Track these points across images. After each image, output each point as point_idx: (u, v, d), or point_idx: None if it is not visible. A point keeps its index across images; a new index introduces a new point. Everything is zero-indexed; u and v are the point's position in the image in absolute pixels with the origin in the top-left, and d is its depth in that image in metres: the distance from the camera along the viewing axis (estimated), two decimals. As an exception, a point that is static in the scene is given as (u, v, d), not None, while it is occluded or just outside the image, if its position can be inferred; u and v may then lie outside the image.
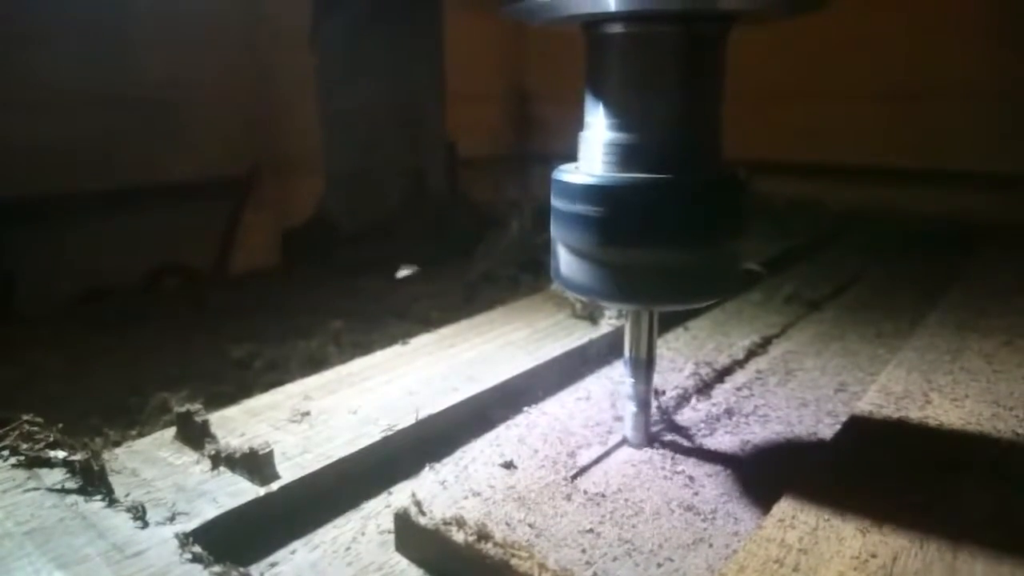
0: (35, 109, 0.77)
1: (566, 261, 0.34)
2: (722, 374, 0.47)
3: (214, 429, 0.36)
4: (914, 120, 0.95)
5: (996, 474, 0.31)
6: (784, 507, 0.29)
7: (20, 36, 0.75)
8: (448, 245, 0.88)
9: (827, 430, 0.39)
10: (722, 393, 0.44)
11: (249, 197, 0.93)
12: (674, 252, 0.32)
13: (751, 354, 0.50)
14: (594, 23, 0.32)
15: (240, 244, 0.93)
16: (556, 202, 0.34)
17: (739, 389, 0.45)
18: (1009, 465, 0.32)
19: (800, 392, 0.45)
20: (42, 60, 0.77)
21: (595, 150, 0.33)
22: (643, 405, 0.37)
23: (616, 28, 0.32)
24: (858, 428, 0.36)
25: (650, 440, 0.38)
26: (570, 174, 0.33)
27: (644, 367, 0.36)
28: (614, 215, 0.31)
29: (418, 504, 0.28)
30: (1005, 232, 0.80)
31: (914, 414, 0.37)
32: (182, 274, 0.85)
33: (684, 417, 0.41)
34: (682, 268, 0.32)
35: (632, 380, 0.37)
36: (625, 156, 0.32)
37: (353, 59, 0.89)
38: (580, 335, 0.50)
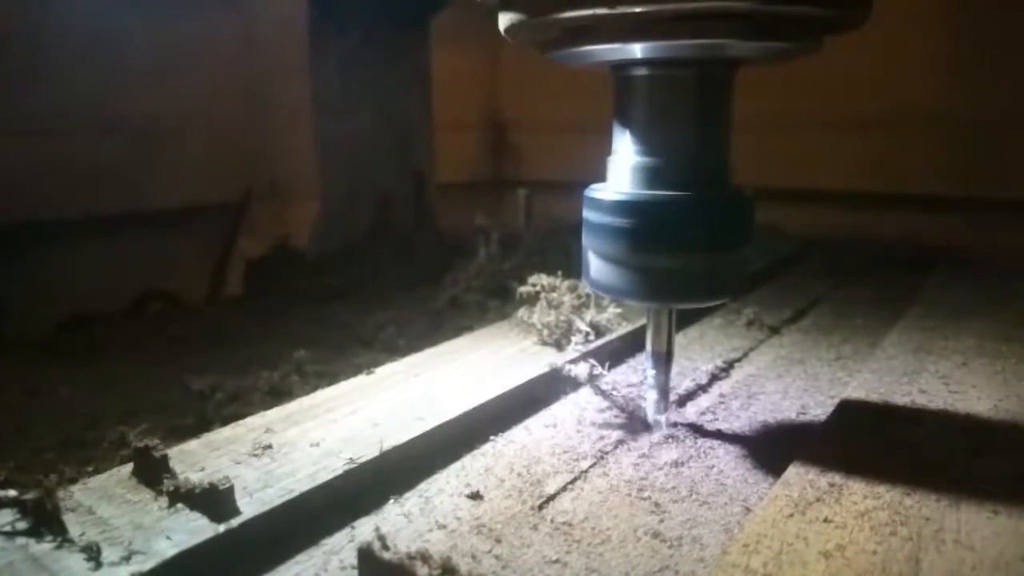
0: (22, 136, 0.76)
1: (596, 266, 0.39)
2: (685, 399, 0.47)
3: (173, 464, 0.35)
4: (873, 146, 0.98)
5: (954, 496, 0.32)
6: (748, 532, 0.30)
7: (5, 65, 0.74)
8: (415, 272, 0.88)
9: (789, 453, 0.40)
10: (685, 417, 0.44)
11: (242, 223, 0.93)
12: (693, 257, 0.37)
13: (714, 378, 0.51)
14: (622, 66, 0.38)
15: (233, 269, 0.92)
16: (589, 216, 0.39)
17: (703, 413, 0.45)
18: (967, 486, 0.33)
19: (762, 416, 0.45)
20: (28, 88, 0.76)
21: (623, 171, 0.39)
22: (663, 393, 0.42)
23: (641, 70, 0.38)
24: (818, 452, 0.36)
25: (667, 424, 0.43)
26: (602, 192, 0.39)
27: (664, 359, 0.41)
28: (642, 226, 0.37)
29: (381, 538, 0.28)
30: (960, 254, 0.82)
31: (872, 437, 0.38)
32: (167, 300, 0.84)
33: (650, 442, 0.41)
34: (700, 271, 0.37)
35: (653, 371, 0.42)
36: (650, 176, 0.38)
37: (347, 89, 0.91)
38: (547, 361, 0.50)
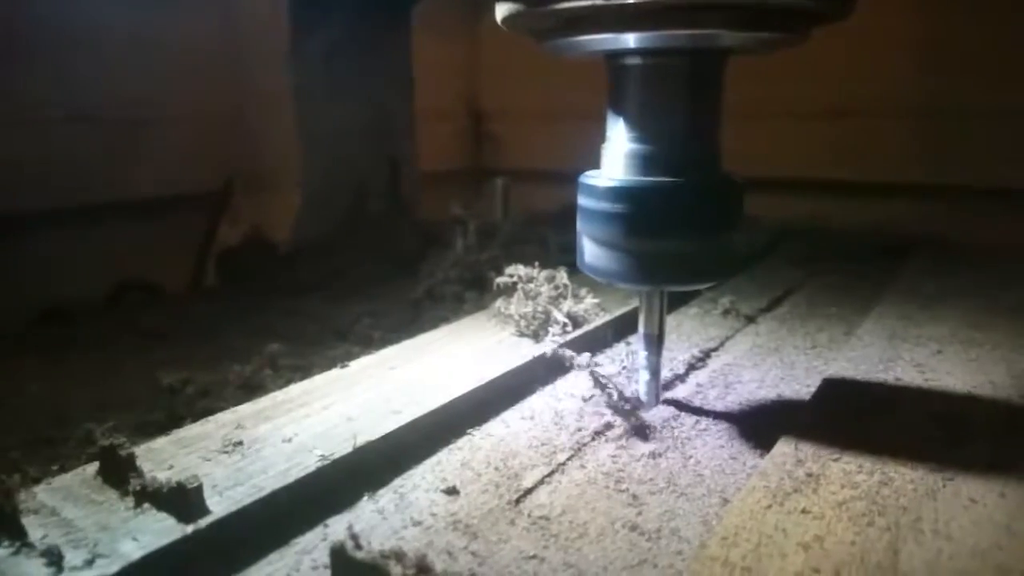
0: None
1: (591, 251, 0.40)
2: (663, 388, 0.47)
3: (141, 462, 0.34)
4: (846, 135, 0.98)
5: (931, 485, 0.32)
6: (727, 524, 0.29)
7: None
8: (392, 262, 0.87)
9: (767, 443, 0.40)
10: (662, 408, 0.44)
11: (224, 213, 0.92)
12: (684, 241, 0.38)
13: (691, 368, 0.51)
14: (615, 55, 0.39)
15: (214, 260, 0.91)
16: (583, 202, 0.40)
17: (680, 403, 0.45)
18: (943, 475, 0.33)
19: (739, 405, 0.45)
20: (2, 77, 0.74)
21: (617, 158, 0.39)
22: (654, 373, 0.43)
23: (635, 60, 0.38)
24: (795, 442, 0.36)
25: (658, 401, 0.44)
26: (596, 179, 0.40)
27: (655, 341, 0.43)
28: (635, 211, 0.38)
29: (354, 537, 0.27)
30: (933, 242, 0.83)
31: (849, 427, 0.38)
32: (145, 292, 0.83)
33: (625, 432, 0.41)
34: (691, 254, 0.39)
35: (646, 353, 0.43)
36: (643, 163, 0.39)
37: (330, 80, 0.91)
38: (524, 353, 0.49)
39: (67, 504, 0.32)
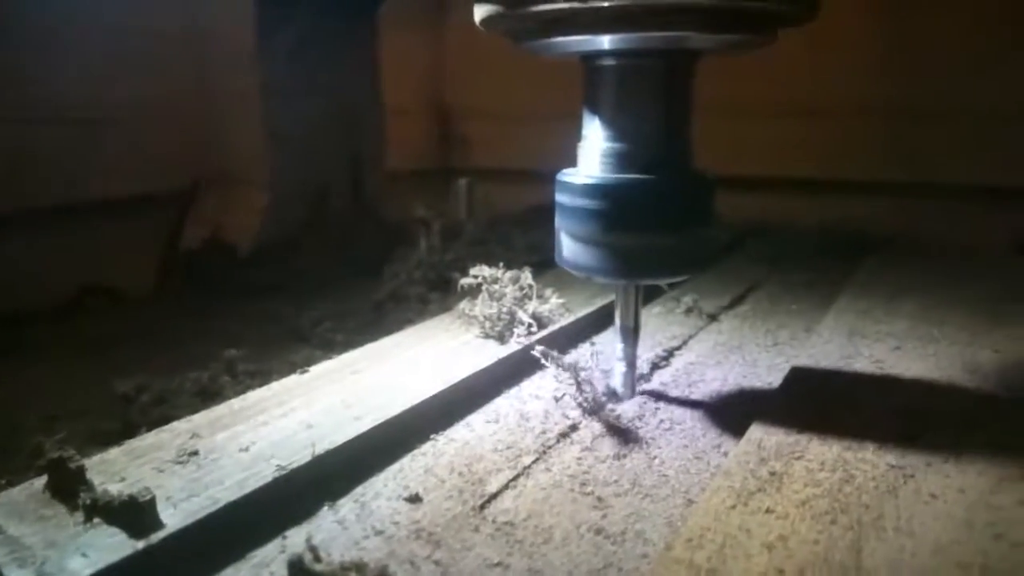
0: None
1: (568, 246, 0.42)
2: (629, 389, 0.47)
3: (92, 474, 0.33)
4: (810, 134, 0.99)
5: (892, 482, 0.32)
6: (691, 525, 0.29)
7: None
8: (356, 263, 0.86)
9: (731, 442, 0.40)
10: (627, 408, 0.44)
11: (189, 214, 0.90)
12: (659, 236, 0.39)
13: (655, 367, 0.51)
14: (591, 56, 0.40)
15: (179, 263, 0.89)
16: (561, 199, 0.41)
17: (644, 403, 0.45)
18: (904, 471, 0.33)
19: (702, 404, 0.45)
20: None
21: (593, 156, 0.41)
22: (630, 365, 0.45)
23: (609, 61, 0.40)
24: (758, 440, 0.36)
25: (634, 393, 0.46)
26: (573, 176, 0.41)
27: (631, 333, 0.44)
28: (611, 207, 0.39)
29: (313, 549, 0.26)
30: (893, 239, 0.84)
31: (811, 424, 0.38)
32: (106, 296, 0.81)
33: (591, 434, 0.41)
34: (666, 248, 0.40)
35: (622, 345, 0.44)
36: (619, 161, 0.40)
37: (296, 77, 0.90)
38: (489, 355, 0.49)
39: (12, 520, 0.31)
